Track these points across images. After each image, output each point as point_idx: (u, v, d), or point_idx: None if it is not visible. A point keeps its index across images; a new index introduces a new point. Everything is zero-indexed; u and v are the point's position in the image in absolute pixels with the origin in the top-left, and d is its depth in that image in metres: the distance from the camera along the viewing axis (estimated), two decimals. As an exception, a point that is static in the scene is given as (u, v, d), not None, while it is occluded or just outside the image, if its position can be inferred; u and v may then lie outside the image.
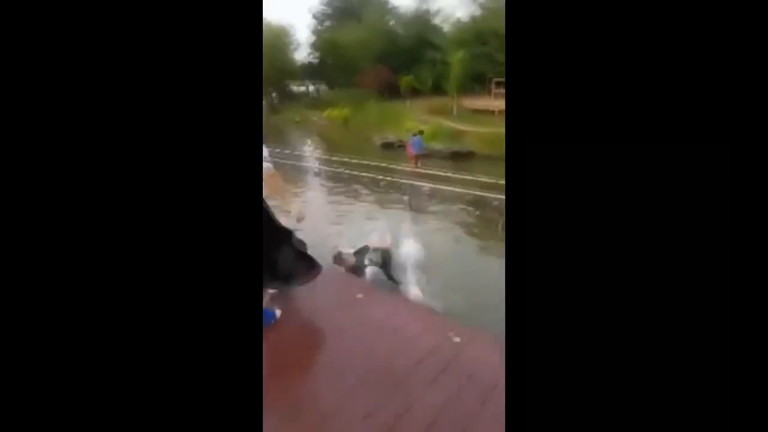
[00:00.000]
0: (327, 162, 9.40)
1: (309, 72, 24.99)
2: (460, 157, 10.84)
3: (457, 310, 3.14)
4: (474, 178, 6.62)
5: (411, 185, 7.05)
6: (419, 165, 8.93)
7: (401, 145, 11.87)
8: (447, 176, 7.40)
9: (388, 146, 12.54)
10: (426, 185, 6.95)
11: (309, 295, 2.36)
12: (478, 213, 6.00)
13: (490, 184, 6.27)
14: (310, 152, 11.60)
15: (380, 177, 7.47)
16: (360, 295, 2.54)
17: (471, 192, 6.26)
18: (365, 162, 8.25)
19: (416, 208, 6.34)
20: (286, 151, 9.74)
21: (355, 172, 7.93)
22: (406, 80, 18.15)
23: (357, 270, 3.57)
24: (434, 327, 2.22)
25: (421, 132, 9.56)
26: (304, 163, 9.31)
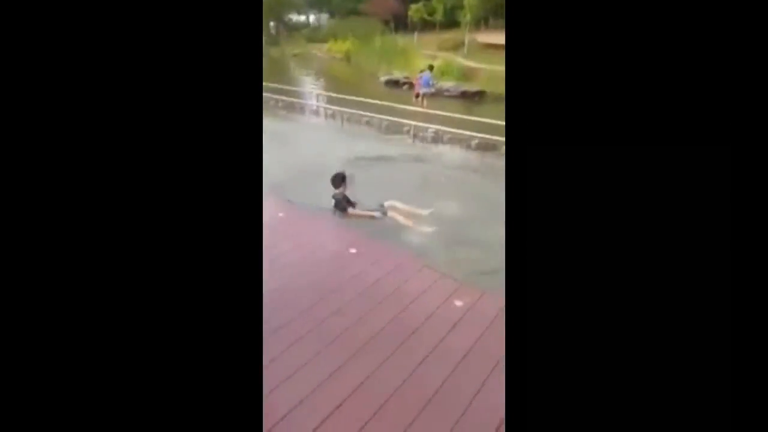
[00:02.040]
0: (326, 100, 8.91)
1: (311, 0, 23.64)
2: (469, 97, 10.31)
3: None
4: (482, 120, 6.20)
5: (414, 127, 6.70)
6: (425, 105, 8.44)
7: (407, 83, 11.20)
8: (454, 117, 7.01)
9: (393, 84, 12.02)
10: (431, 127, 6.64)
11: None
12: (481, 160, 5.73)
13: (500, 127, 5.90)
14: (309, 90, 10.99)
15: (382, 117, 7.14)
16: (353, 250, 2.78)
17: (478, 135, 5.92)
18: (367, 101, 7.77)
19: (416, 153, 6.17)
20: (284, 87, 9.21)
21: (356, 111, 7.54)
22: (415, 8, 17.16)
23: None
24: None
25: (430, 67, 9.04)
26: (300, 100, 8.83)
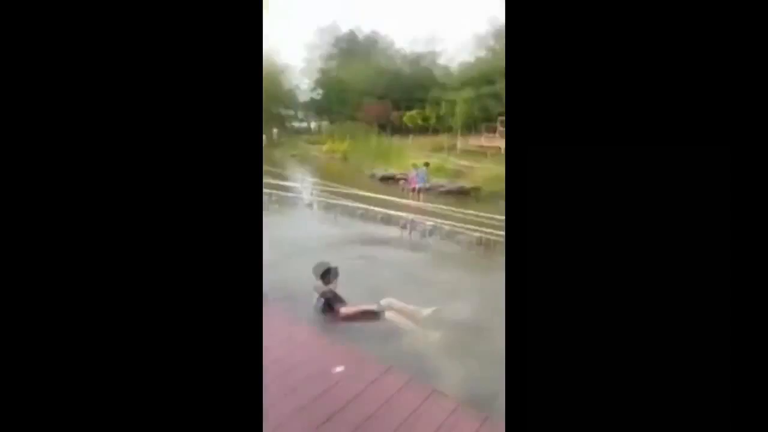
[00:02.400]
0: (323, 193, 8.89)
1: (312, 108, 25.60)
2: (464, 193, 10.47)
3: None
4: (478, 214, 6.04)
5: (411, 221, 6.49)
6: (421, 199, 8.45)
7: (403, 178, 11.47)
8: (450, 212, 6.89)
9: (388, 180, 12.24)
10: (428, 221, 6.40)
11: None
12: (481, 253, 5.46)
13: (498, 223, 5.67)
14: (306, 184, 11.09)
15: (377, 210, 6.93)
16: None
17: (478, 229, 5.65)
18: (362, 193, 7.72)
19: (414, 245, 5.87)
20: (282, 183, 9.24)
21: (350, 203, 7.40)
22: (409, 116, 18.33)
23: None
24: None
25: (426, 164, 9.24)
26: (296, 194, 8.77)
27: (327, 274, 3.28)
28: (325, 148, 18.50)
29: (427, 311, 3.24)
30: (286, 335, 2.57)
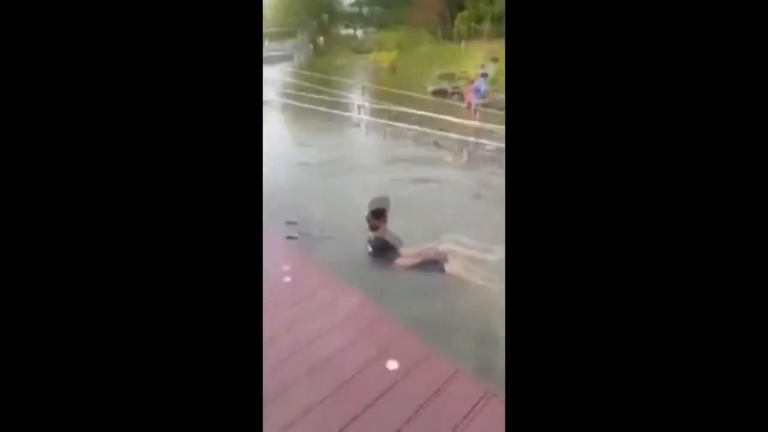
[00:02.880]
0: (370, 111, 8.71)
1: (358, 16, 24.05)
2: None
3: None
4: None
5: (468, 142, 6.11)
6: (477, 117, 7.54)
7: (456, 93, 10.74)
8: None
9: (440, 94, 11.25)
10: (489, 143, 5.85)
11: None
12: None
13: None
14: (352, 100, 10.54)
15: (429, 131, 6.61)
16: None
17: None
18: (412, 111, 7.26)
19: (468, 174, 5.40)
20: (326, 98, 9.00)
21: (401, 124, 6.99)
22: (461, 17, 16.64)
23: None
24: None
25: (484, 75, 8.05)
26: (342, 112, 8.45)
27: (375, 214, 2.87)
28: (371, 57, 17.62)
29: (496, 254, 2.76)
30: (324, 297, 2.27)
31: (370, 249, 2.91)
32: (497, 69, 9.33)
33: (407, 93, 9.79)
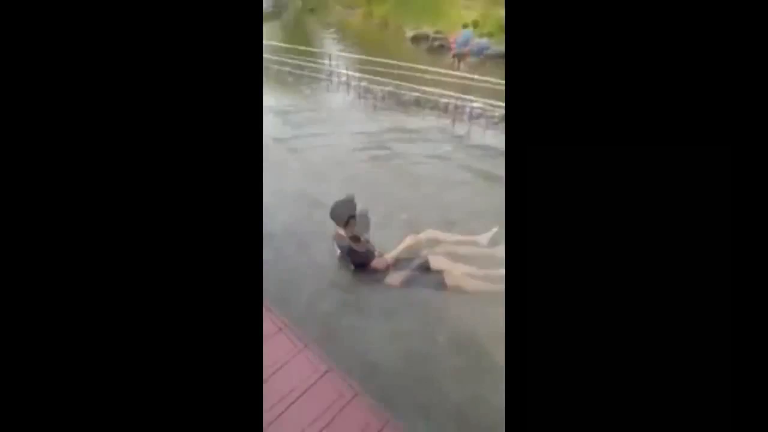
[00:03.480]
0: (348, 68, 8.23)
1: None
2: None
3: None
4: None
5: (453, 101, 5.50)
6: (460, 68, 7.24)
7: (438, 40, 10.24)
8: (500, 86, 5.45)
9: (420, 41, 10.35)
10: (475, 101, 5.30)
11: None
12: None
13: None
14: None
15: (404, 85, 6.03)
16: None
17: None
18: (387, 62, 6.51)
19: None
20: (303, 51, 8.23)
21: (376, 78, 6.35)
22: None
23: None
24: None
25: (475, 23, 7.87)
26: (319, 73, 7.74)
27: (343, 213, 2.39)
28: (361, 11, 16.65)
29: (486, 236, 2.59)
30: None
31: (351, 266, 2.48)
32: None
33: (393, 47, 9.33)
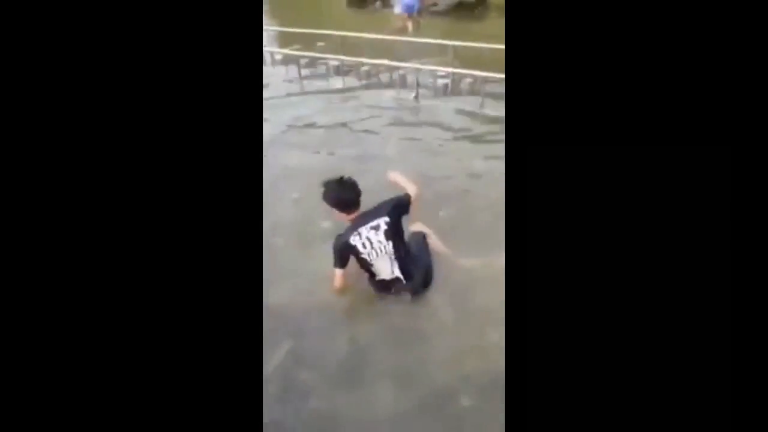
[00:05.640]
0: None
1: None
2: (467, 9, 8.48)
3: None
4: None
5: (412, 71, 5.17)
6: (410, 30, 7.15)
7: (379, 1, 10.23)
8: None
9: (358, 3, 10.22)
10: (441, 70, 5.10)
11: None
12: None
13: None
14: None
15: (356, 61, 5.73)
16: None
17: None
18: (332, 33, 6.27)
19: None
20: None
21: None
22: None
23: None
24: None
25: None
26: None
27: (340, 194, 2.26)
28: None
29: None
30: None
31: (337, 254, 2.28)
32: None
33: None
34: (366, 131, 4.45)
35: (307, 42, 6.52)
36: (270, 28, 8.09)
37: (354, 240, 2.21)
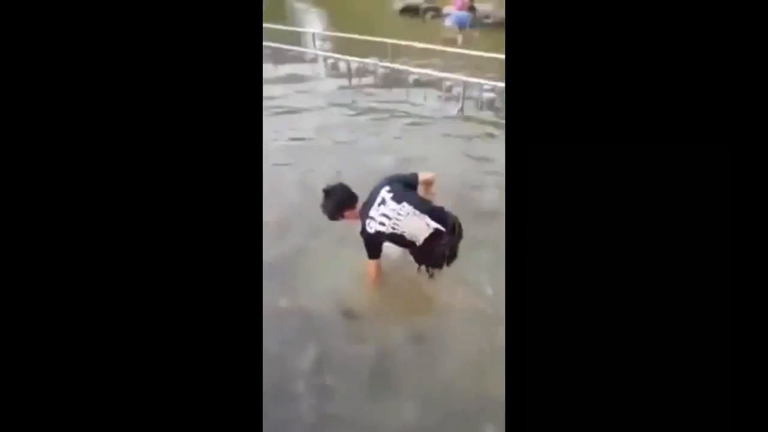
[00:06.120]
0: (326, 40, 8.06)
1: None
2: None
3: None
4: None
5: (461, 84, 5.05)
6: (460, 41, 7.28)
7: (432, 9, 10.22)
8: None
9: (411, 12, 10.28)
10: (488, 83, 4.98)
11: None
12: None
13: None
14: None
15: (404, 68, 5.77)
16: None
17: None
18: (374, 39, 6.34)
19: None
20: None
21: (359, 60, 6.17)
22: None
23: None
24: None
25: (471, 8, 7.63)
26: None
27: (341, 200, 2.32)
28: None
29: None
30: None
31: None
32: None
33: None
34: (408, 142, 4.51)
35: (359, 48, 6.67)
36: (322, 32, 8.47)
37: (371, 226, 2.23)
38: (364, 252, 2.35)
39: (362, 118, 5.07)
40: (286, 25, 8.48)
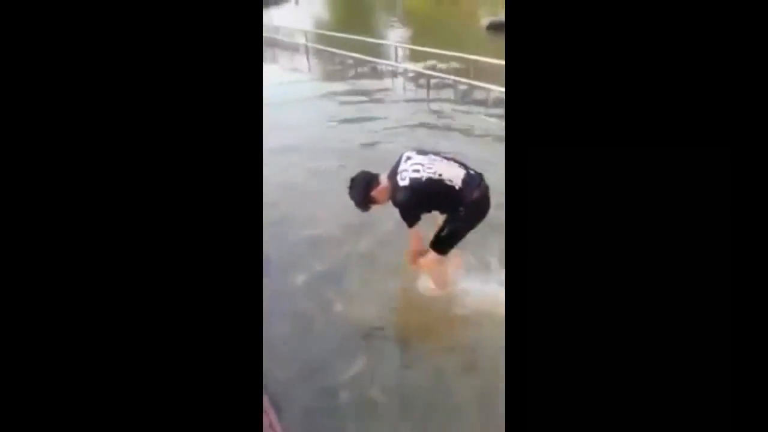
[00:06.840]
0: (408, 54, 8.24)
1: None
2: None
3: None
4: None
5: None
6: None
7: None
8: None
9: (498, 29, 10.21)
10: None
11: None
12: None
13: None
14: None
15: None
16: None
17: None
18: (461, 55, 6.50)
19: None
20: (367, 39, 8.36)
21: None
22: None
23: None
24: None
25: None
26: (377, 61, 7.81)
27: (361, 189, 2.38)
28: None
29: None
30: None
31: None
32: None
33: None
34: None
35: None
36: (406, 46, 8.92)
37: (404, 177, 2.28)
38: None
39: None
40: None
